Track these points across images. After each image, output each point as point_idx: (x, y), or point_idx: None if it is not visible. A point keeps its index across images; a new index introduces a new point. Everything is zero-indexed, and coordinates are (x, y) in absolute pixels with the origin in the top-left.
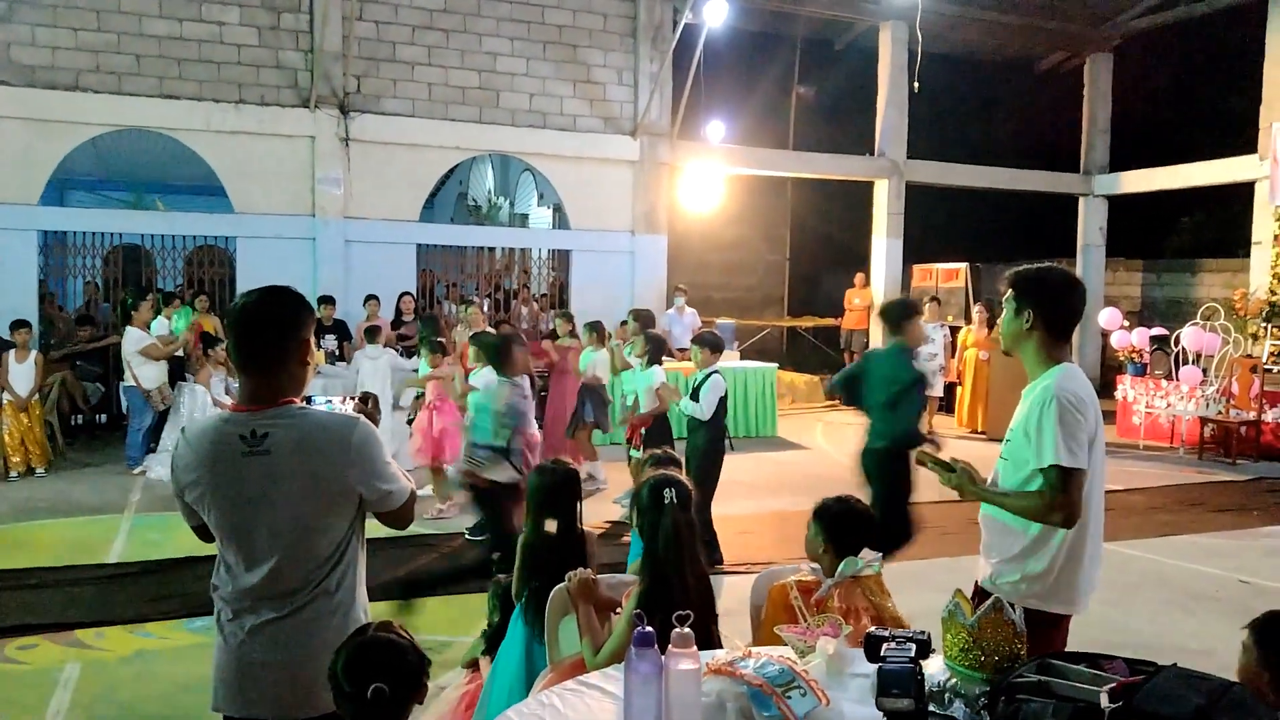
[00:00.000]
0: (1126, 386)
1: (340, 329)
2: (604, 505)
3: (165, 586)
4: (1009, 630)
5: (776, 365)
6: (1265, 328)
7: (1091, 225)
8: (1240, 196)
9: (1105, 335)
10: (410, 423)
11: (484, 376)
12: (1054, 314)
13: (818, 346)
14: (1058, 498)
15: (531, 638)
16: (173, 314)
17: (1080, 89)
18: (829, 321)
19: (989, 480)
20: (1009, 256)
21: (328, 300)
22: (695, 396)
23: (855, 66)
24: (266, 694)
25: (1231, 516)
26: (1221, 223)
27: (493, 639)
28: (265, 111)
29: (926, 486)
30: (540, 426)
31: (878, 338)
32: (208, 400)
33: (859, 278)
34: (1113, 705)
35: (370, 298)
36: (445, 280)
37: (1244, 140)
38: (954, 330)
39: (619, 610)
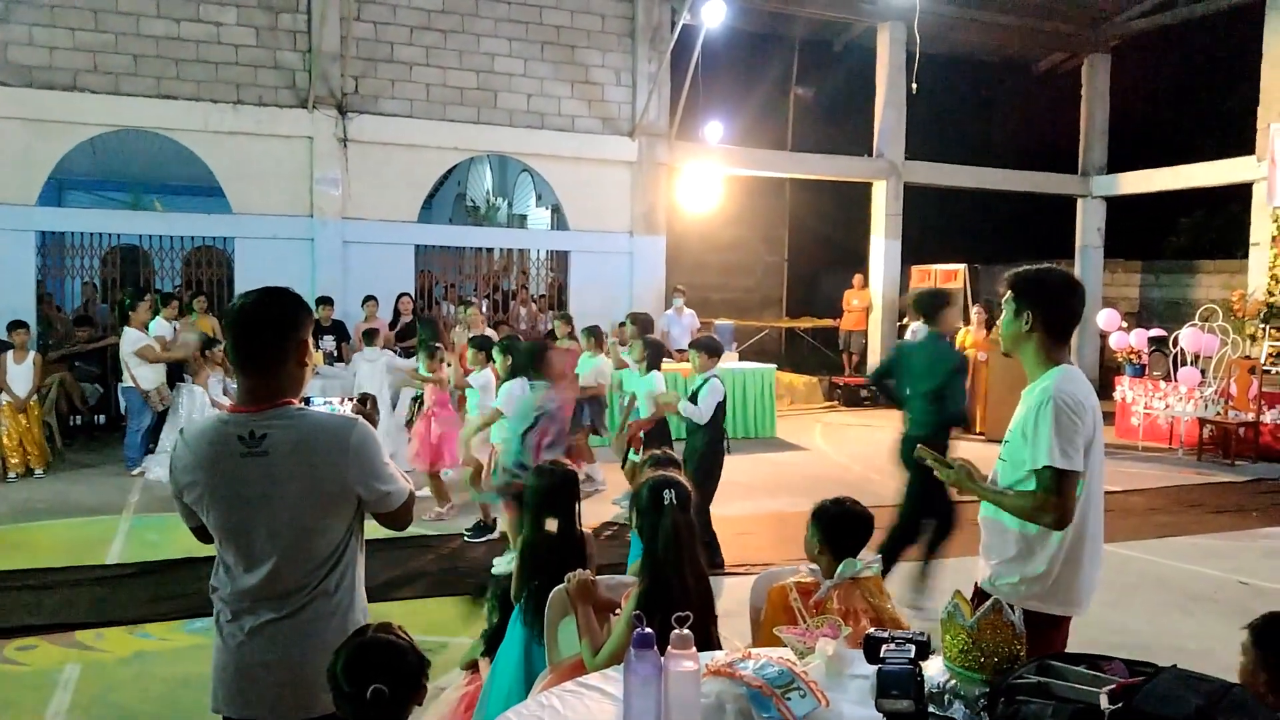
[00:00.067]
0: (1125, 388)
1: (338, 330)
2: (603, 506)
3: (164, 587)
4: (1008, 631)
5: (775, 366)
6: (1263, 329)
7: (1090, 226)
8: (1238, 197)
9: (1104, 336)
10: (409, 425)
11: (482, 378)
12: (1054, 316)
13: (816, 347)
14: (1050, 499)
15: (531, 639)
16: (173, 318)
17: (1078, 90)
18: (827, 322)
19: (988, 479)
20: (1007, 258)
21: (326, 301)
22: (694, 400)
23: (853, 67)
24: (266, 695)
25: (1230, 517)
26: (1220, 224)
27: (492, 640)
28: (263, 112)
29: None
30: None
31: (876, 339)
32: (206, 401)
33: (857, 279)
34: (1112, 707)
35: (368, 298)
36: (443, 281)
37: (1242, 141)
38: (953, 331)
39: (618, 611)
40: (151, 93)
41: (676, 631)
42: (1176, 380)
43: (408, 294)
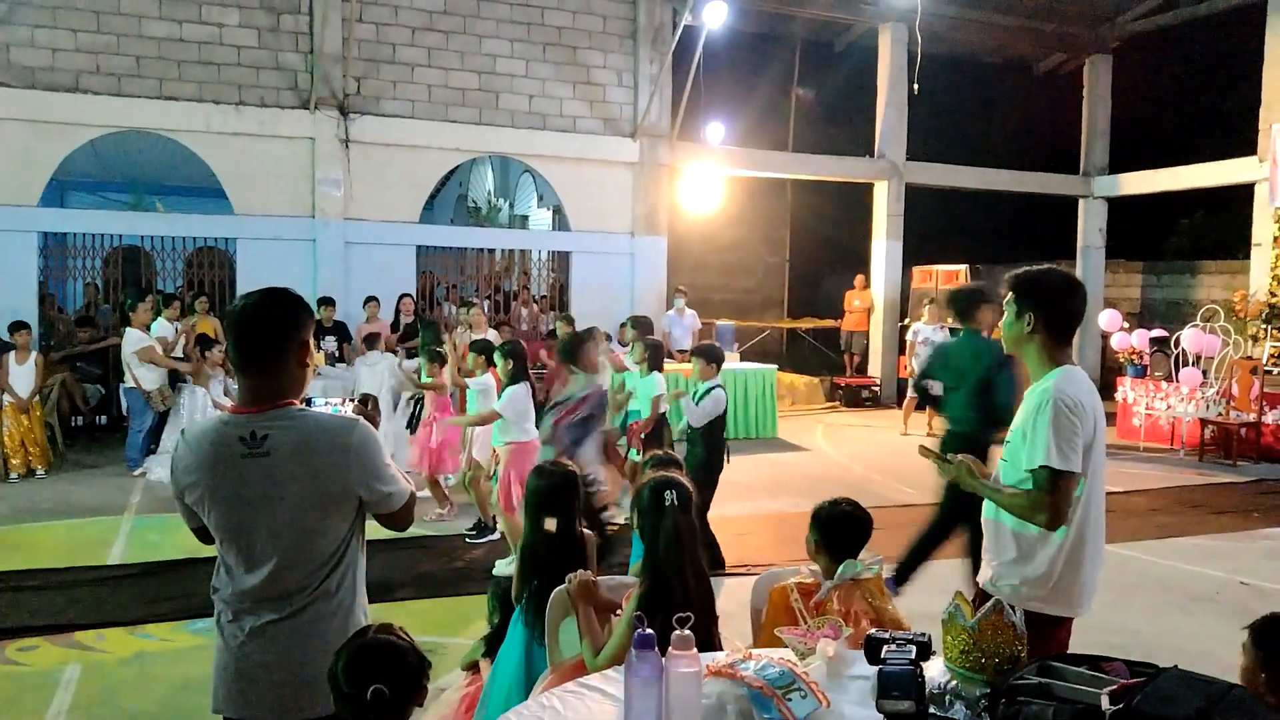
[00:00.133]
0: (1126, 388)
1: (340, 331)
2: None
3: (165, 588)
4: (1009, 632)
5: (776, 367)
6: (1265, 329)
7: (1091, 227)
8: (1240, 198)
9: (1105, 337)
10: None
11: (483, 382)
12: (1055, 316)
13: (817, 348)
14: (1044, 499)
15: (531, 639)
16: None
17: (1080, 91)
18: (829, 323)
19: (991, 479)
20: (1009, 258)
21: (327, 302)
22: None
23: (855, 68)
24: (266, 696)
25: (1231, 518)
26: (1221, 224)
27: (492, 641)
28: (265, 113)
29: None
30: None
31: (878, 339)
32: (208, 402)
33: (859, 279)
34: (1113, 707)
35: (370, 299)
36: (445, 282)
37: (1244, 142)
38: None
39: (619, 612)
40: (153, 94)
41: (677, 632)
42: (1178, 381)
43: (409, 295)
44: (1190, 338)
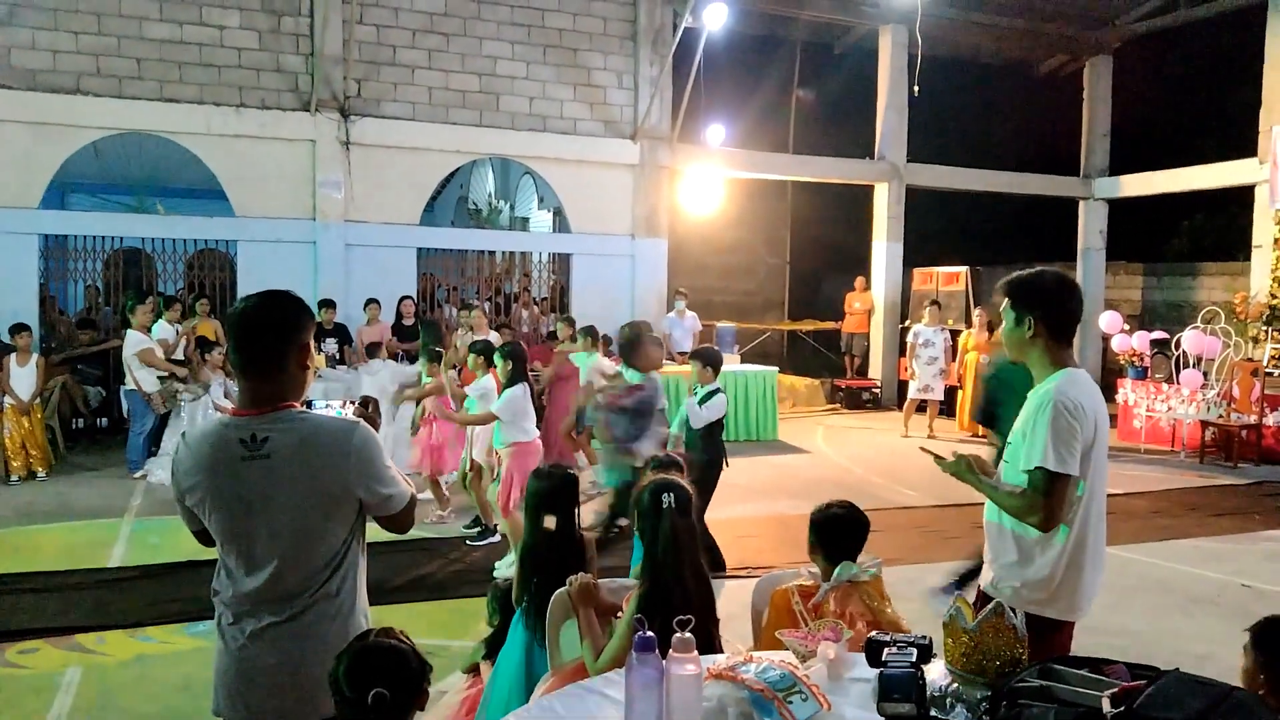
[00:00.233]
0: (1127, 390)
1: (341, 333)
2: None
3: (166, 590)
4: (1010, 635)
5: (777, 369)
6: (1266, 331)
7: (1092, 229)
8: (1240, 200)
9: (1106, 339)
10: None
11: (482, 386)
12: (1054, 318)
13: (818, 350)
14: (1038, 500)
15: (532, 642)
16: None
17: (1080, 92)
18: (829, 325)
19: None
20: (1009, 260)
21: (328, 304)
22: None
23: (855, 70)
24: (267, 698)
25: (1232, 520)
26: (1222, 226)
27: (493, 643)
28: (266, 115)
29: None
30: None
31: (878, 341)
32: (209, 404)
33: (859, 281)
34: (1114, 710)
35: (371, 301)
36: (445, 284)
37: (1244, 144)
38: (954, 334)
39: (620, 614)
40: (154, 96)
41: (678, 635)
42: (1179, 383)
43: (410, 297)
44: (1191, 339)
